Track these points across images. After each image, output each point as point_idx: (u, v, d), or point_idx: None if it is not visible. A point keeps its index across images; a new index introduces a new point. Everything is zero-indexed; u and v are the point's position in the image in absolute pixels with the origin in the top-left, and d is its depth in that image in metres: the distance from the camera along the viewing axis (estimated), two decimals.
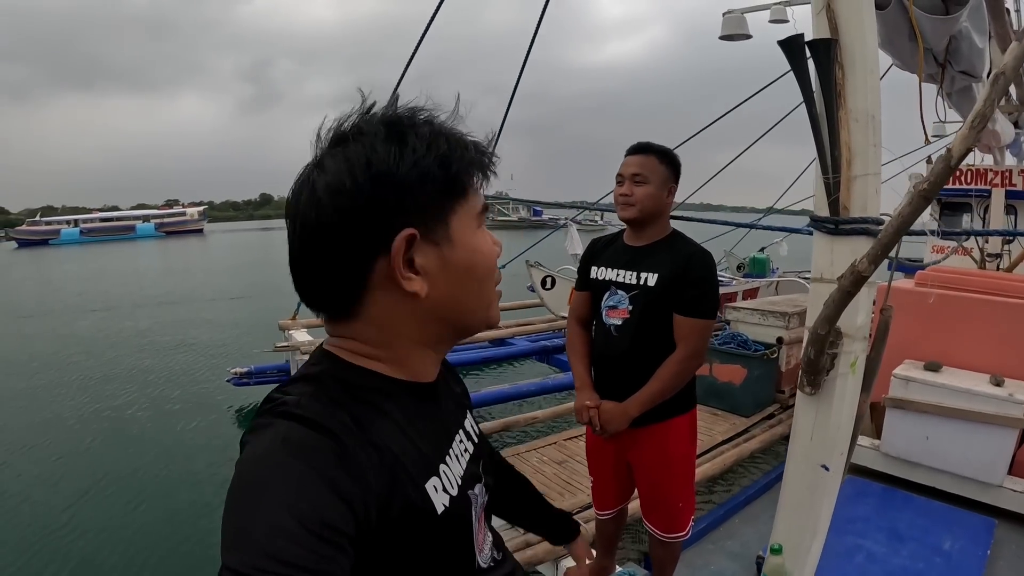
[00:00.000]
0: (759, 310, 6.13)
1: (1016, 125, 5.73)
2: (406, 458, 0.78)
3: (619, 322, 2.39)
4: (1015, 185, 5.98)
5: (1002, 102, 5.09)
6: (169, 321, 14.43)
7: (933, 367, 4.07)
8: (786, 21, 6.14)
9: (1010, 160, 7.21)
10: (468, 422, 1.00)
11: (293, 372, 7.07)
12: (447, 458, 0.87)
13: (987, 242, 5.82)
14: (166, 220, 62.26)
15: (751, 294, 10.33)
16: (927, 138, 2.45)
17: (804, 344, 1.59)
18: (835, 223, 1.57)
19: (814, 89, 1.55)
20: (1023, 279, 4.34)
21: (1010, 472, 3.77)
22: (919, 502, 3.85)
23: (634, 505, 2.80)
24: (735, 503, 4.10)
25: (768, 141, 7.94)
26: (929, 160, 6.33)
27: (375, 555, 0.72)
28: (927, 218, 8.70)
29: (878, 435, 4.18)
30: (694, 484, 2.59)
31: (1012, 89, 5.28)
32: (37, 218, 62.71)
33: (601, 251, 2.55)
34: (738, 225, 5.40)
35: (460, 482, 0.88)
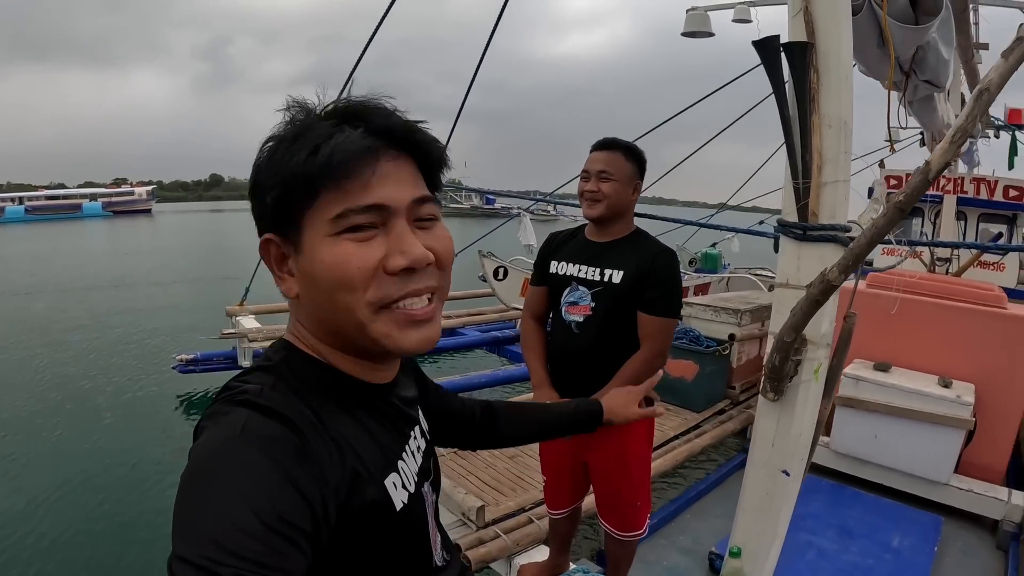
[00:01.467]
0: (712, 306, 6.18)
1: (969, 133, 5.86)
2: (366, 454, 0.77)
3: (580, 319, 2.35)
4: (966, 192, 6.16)
5: (959, 111, 5.22)
6: (116, 304, 14.01)
7: (883, 367, 4.16)
8: (749, 21, 6.19)
9: (962, 168, 7.44)
10: (422, 418, 1.01)
11: (240, 360, 6.92)
12: (404, 454, 0.87)
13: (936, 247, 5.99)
14: (114, 199, 60.32)
15: (702, 289, 10.47)
16: (891, 146, 2.49)
17: (769, 351, 1.57)
18: (803, 229, 1.56)
19: (787, 92, 1.53)
20: (971, 284, 4.45)
21: (956, 471, 3.88)
22: (868, 499, 3.94)
23: (588, 501, 2.78)
24: (686, 498, 4.13)
25: (724, 138, 8.02)
26: (882, 164, 6.47)
27: (334, 553, 0.70)
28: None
29: (828, 432, 4.26)
30: (650, 482, 2.59)
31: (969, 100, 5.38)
32: None
33: (561, 246, 2.51)
34: (704, 226, 5.41)
35: (416, 479, 0.88)
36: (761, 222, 9.41)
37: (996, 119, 7.29)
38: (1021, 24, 1.08)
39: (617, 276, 2.28)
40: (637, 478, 2.46)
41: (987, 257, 6.04)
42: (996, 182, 6.11)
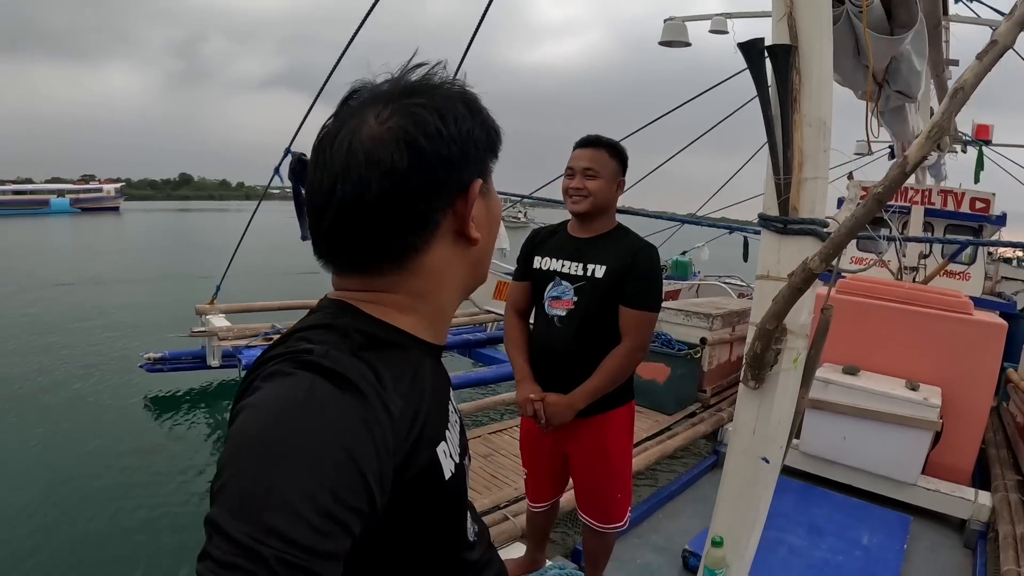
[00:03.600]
0: (684, 311, 6.28)
1: (937, 147, 6.05)
2: (425, 420, 0.77)
3: (563, 313, 2.39)
4: (933, 204, 6.32)
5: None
6: (84, 302, 13.75)
7: (851, 371, 4.27)
8: (725, 32, 6.29)
9: (929, 181, 7.62)
10: (452, 394, 0.99)
11: (208, 359, 6.86)
12: (449, 424, 0.86)
13: (904, 256, 6.13)
14: (81, 196, 59.11)
15: (673, 295, 10.60)
16: (869, 148, 2.57)
17: (750, 339, 1.63)
18: (784, 223, 1.62)
19: (770, 93, 1.59)
20: (937, 291, 4.58)
21: (924, 472, 3.99)
22: (836, 499, 4.03)
23: (566, 498, 2.82)
24: (658, 499, 4.19)
25: (693, 148, 8.13)
26: (850, 176, 6.61)
27: (384, 522, 0.69)
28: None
29: (797, 434, 4.34)
30: (631, 475, 2.62)
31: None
32: None
33: (544, 241, 2.54)
34: (681, 220, 5.50)
35: (459, 449, 0.88)
36: (731, 231, 9.54)
37: (964, 134, 7.51)
38: (994, 28, 1.14)
39: (600, 271, 2.33)
40: (617, 469, 2.50)
41: (953, 267, 6.22)
42: (963, 194, 6.28)
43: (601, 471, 2.49)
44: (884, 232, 8.53)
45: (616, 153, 2.39)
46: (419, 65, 0.81)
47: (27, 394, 7.67)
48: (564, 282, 2.40)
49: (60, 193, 58.17)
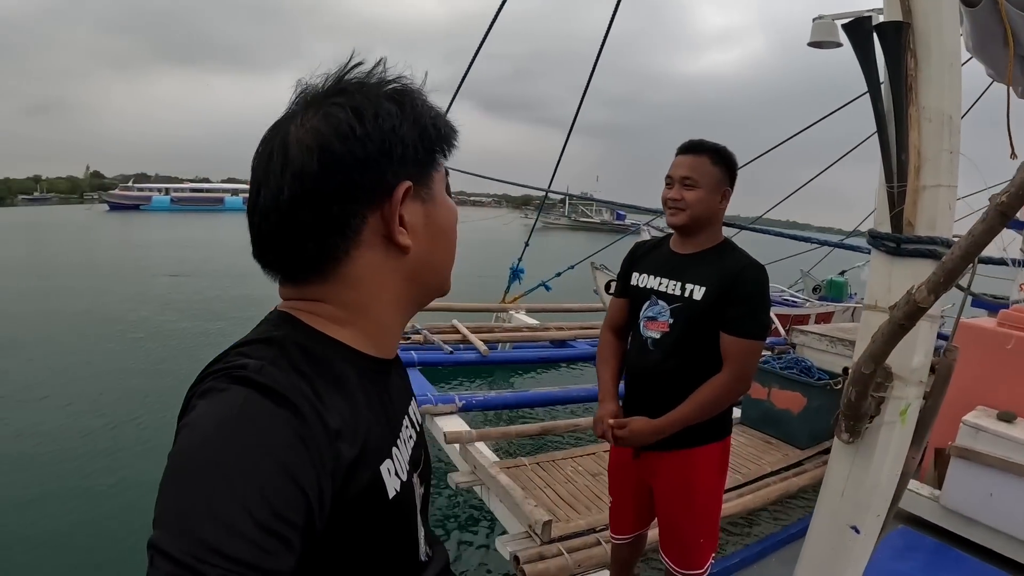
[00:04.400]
0: (828, 336, 5.75)
1: None
2: (365, 437, 0.74)
3: (657, 335, 2.17)
4: None
5: None
6: (248, 293, 14.75)
7: (1007, 417, 3.69)
8: None
9: None
10: (412, 409, 0.97)
11: None
12: (398, 441, 0.84)
13: None
14: None
15: (825, 318, 9.92)
16: (1013, 151, 2.15)
17: (846, 383, 1.34)
18: (897, 241, 1.32)
19: (882, 81, 1.30)
20: None
21: None
22: (972, 564, 3.48)
23: (653, 533, 2.59)
24: (774, 541, 3.83)
25: (862, 161, 7.53)
26: None
27: (325, 540, 0.67)
28: (1016, 253, 8.12)
29: (940, 485, 3.83)
30: (719, 519, 2.35)
31: None
32: (130, 183, 65.78)
33: (644, 256, 2.33)
34: (795, 238, 5.09)
35: (408, 467, 0.84)
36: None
37: None
38: None
39: (698, 292, 2.09)
40: (702, 510, 2.24)
41: None
42: None
43: (684, 510, 2.24)
44: None
45: (720, 159, 2.13)
46: (358, 64, 0.78)
47: (181, 374, 8.33)
48: (660, 302, 2.18)
49: (235, 192, 63.33)
